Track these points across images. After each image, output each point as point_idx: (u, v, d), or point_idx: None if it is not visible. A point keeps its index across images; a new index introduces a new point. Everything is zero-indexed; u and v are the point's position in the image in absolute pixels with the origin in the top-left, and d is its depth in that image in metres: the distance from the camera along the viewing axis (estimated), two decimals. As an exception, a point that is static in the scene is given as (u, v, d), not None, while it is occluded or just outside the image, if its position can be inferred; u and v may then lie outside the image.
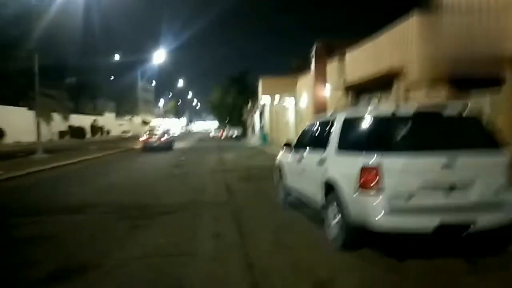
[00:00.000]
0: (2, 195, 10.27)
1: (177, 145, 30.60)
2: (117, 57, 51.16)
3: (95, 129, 53.51)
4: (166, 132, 27.84)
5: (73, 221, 6.90)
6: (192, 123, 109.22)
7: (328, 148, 5.34)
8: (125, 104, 69.48)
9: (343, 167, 4.84)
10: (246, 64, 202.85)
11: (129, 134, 58.55)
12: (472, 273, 4.12)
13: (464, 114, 4.69)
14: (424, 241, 4.64)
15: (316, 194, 5.68)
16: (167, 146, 25.73)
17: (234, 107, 51.61)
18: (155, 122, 75.45)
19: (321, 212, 5.56)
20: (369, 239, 4.64)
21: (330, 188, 5.12)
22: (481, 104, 7.42)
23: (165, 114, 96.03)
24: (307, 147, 6.35)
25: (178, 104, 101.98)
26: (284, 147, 7.52)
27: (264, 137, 31.29)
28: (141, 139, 26.74)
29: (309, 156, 6.10)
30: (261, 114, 37.49)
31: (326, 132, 5.62)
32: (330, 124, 5.59)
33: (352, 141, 4.87)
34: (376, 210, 4.20)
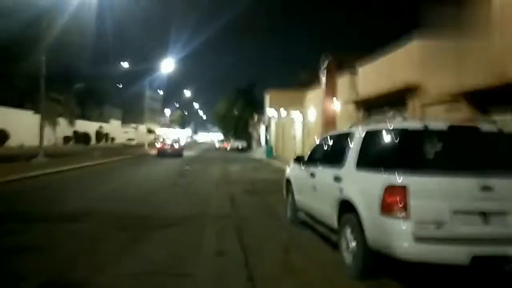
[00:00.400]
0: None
1: (184, 153, 32.21)
2: (126, 65, 51.27)
3: (100, 135, 53.42)
4: (178, 141, 31.76)
5: (67, 230, 6.48)
6: (197, 134, 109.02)
7: (345, 164, 4.93)
8: (132, 112, 69.60)
9: (362, 186, 4.40)
10: (254, 75, 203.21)
11: (134, 142, 58.35)
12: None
13: (506, 131, 4.23)
14: (455, 274, 4.14)
15: (329, 214, 5.25)
16: (178, 153, 29.27)
17: (240, 119, 51.40)
18: (160, 131, 75.51)
19: (334, 234, 5.12)
20: (390, 267, 4.19)
21: (346, 208, 4.69)
22: (504, 121, 7.01)
23: (170, 124, 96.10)
24: (321, 162, 5.94)
25: (185, 114, 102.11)
26: (294, 162, 7.11)
27: (269, 150, 30.88)
28: (156, 145, 31.34)
29: (323, 172, 5.69)
30: (267, 127, 37.17)
31: (343, 147, 5.21)
32: (348, 138, 5.18)
33: (374, 157, 4.44)
34: (401, 237, 3.76)
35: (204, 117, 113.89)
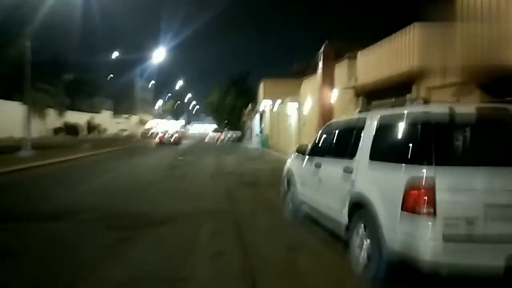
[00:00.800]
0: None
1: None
2: (116, 54, 50.12)
3: (91, 126, 52.47)
4: (177, 132, 38.95)
5: (48, 230, 5.91)
6: (190, 125, 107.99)
7: (356, 157, 4.42)
8: (123, 103, 68.47)
9: (379, 179, 3.90)
10: (248, 64, 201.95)
11: (126, 133, 57.44)
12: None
13: None
14: (490, 281, 3.66)
15: (338, 208, 4.75)
16: (177, 142, 34.58)
17: (233, 109, 50.71)
18: (152, 122, 74.47)
19: (344, 230, 4.64)
20: (410, 272, 3.71)
21: (358, 203, 4.20)
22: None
23: (163, 114, 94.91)
24: (327, 153, 5.43)
25: (177, 105, 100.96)
26: (297, 152, 6.59)
27: (264, 141, 30.36)
28: (158, 136, 37.04)
29: (330, 163, 5.18)
30: (261, 117, 36.61)
31: (352, 135, 4.70)
32: (357, 125, 4.67)
33: (392, 146, 3.93)
34: (425, 239, 3.27)
35: (197, 106, 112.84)
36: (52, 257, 4.67)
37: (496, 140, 3.60)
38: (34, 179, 11.76)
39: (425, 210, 3.29)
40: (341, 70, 15.77)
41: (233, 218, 6.63)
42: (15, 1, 25.48)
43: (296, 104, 22.95)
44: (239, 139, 44.72)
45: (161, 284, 3.90)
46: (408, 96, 8.48)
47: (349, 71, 14.46)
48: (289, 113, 24.80)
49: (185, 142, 37.93)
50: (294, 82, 24.91)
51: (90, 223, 6.33)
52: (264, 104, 33.43)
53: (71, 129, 45.07)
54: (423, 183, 3.30)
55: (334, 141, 5.46)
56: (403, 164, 3.54)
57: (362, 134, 4.47)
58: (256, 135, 37.60)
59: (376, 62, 12.39)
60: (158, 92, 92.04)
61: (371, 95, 12.98)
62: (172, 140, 34.44)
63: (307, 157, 6.08)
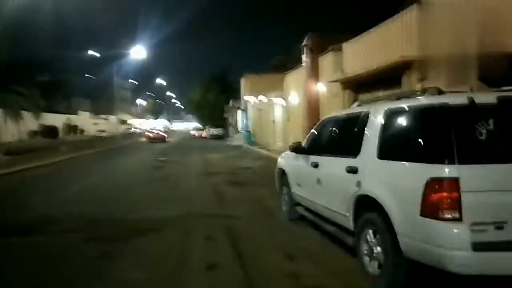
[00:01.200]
0: None
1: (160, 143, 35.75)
2: (92, 53, 48.56)
3: (69, 128, 50.96)
4: (162, 130, 45.92)
5: (18, 246, 5.33)
6: (171, 123, 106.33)
7: (361, 155, 4.01)
8: (101, 102, 66.75)
9: (392, 180, 3.50)
10: (229, 61, 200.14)
11: (105, 134, 56.00)
12: None
13: None
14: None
15: (340, 214, 4.38)
16: (163, 139, 39.51)
17: (215, 106, 49.93)
18: (132, 121, 72.84)
19: (349, 236, 4.26)
20: (430, 280, 3.35)
21: (366, 206, 3.81)
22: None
23: (143, 113, 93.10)
24: (325, 151, 5.03)
25: (157, 103, 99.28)
26: (290, 150, 6.16)
27: (248, 136, 29.89)
28: (146, 134, 42.13)
29: (330, 162, 4.77)
30: (244, 112, 36.11)
31: (354, 131, 4.29)
32: (360, 119, 4.26)
33: (404, 142, 3.52)
34: (452, 244, 2.90)
35: (179, 104, 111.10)
36: (21, 280, 4.12)
37: None
38: (8, 188, 10.99)
39: (449, 215, 2.90)
40: (325, 63, 15.43)
41: (225, 224, 6.16)
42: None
43: (279, 99, 22.55)
44: (222, 136, 44.12)
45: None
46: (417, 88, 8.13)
47: (334, 63, 14.10)
48: (273, 108, 24.39)
49: (169, 140, 41.04)
50: (275, 77, 24.53)
51: (66, 235, 5.76)
52: (246, 100, 32.96)
53: (48, 132, 43.56)
54: (446, 184, 2.92)
55: (332, 138, 5.06)
56: (421, 164, 3.15)
57: (366, 130, 4.06)
58: (239, 131, 37.12)
59: (362, 53, 12.06)
60: (138, 91, 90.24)
61: (358, 88, 12.68)
62: (157, 138, 39.09)
63: (301, 155, 5.66)
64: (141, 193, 9.27)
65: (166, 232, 5.80)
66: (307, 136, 6.00)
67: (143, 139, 41.23)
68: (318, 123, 5.89)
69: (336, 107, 12.02)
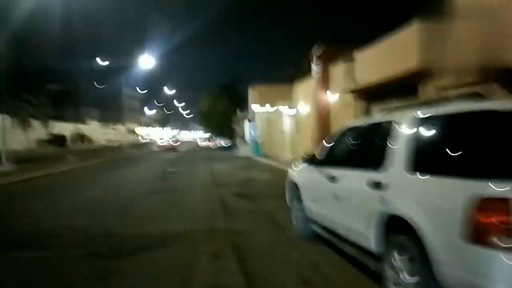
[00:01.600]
0: None
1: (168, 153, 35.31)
2: (102, 62, 48.85)
3: (77, 137, 51.14)
4: (174, 140, 48.51)
5: (16, 262, 4.96)
6: (179, 133, 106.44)
7: (387, 168, 3.58)
8: (110, 112, 67.09)
9: (428, 199, 3.05)
10: (238, 71, 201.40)
11: (115, 144, 56.05)
12: None
13: None
14: None
15: (363, 231, 3.93)
16: (175, 148, 42.12)
17: (224, 116, 49.71)
18: (141, 131, 72.97)
19: (374, 263, 3.80)
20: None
21: (394, 227, 3.36)
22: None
23: (152, 123, 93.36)
24: (344, 163, 4.61)
25: (166, 113, 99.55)
26: (304, 161, 5.74)
27: (257, 147, 29.46)
28: (159, 143, 45.62)
29: (350, 176, 4.35)
30: (253, 123, 35.76)
31: (379, 142, 3.87)
32: (385, 129, 3.84)
33: (442, 157, 3.07)
34: (505, 278, 2.44)
35: (186, 114, 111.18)
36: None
37: None
38: (10, 198, 10.70)
39: (501, 240, 2.45)
40: (336, 72, 15.06)
41: (233, 241, 5.73)
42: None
43: (289, 110, 22.18)
44: (230, 147, 43.79)
45: None
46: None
47: (346, 73, 13.71)
48: (282, 119, 24.01)
49: (180, 149, 42.99)
50: (284, 87, 24.25)
51: (66, 250, 5.39)
52: (254, 110, 32.63)
53: (57, 140, 43.68)
54: (497, 205, 2.47)
55: (351, 149, 4.65)
56: (464, 179, 2.71)
57: (391, 140, 3.64)
58: (248, 142, 36.73)
59: (375, 62, 11.68)
60: (147, 101, 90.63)
61: (371, 98, 12.25)
62: (170, 147, 42.06)
63: (316, 167, 5.24)
64: (146, 206, 8.90)
65: (169, 250, 5.38)
66: (321, 146, 5.60)
67: (155, 148, 43.37)
68: (335, 133, 5.47)
69: (348, 118, 11.62)
